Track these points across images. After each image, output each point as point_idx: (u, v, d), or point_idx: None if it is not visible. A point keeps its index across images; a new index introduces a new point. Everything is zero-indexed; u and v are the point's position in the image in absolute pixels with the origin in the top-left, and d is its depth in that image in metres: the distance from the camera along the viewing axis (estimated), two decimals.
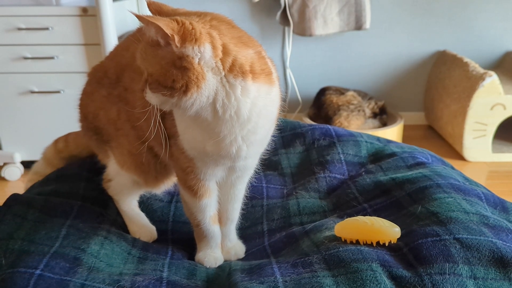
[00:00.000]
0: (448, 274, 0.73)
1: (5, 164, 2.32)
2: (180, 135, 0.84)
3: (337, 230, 0.86)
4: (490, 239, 0.79)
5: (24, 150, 2.33)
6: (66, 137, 1.22)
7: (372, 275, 0.73)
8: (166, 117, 0.86)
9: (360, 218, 0.85)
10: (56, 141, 1.23)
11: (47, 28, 2.13)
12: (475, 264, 0.75)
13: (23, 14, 2.13)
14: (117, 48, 1.00)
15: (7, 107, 2.25)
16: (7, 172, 2.31)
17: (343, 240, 0.85)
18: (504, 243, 0.80)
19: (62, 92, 2.21)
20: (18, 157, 2.32)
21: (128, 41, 0.98)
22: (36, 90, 2.23)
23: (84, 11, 2.11)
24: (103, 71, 1.00)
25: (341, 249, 0.81)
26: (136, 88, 0.91)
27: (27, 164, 2.31)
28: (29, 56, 2.17)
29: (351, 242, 0.84)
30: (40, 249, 0.84)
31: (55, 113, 2.22)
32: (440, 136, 2.81)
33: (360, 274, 0.73)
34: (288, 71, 2.89)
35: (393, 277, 0.74)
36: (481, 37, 2.85)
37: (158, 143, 0.91)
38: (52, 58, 2.18)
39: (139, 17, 0.68)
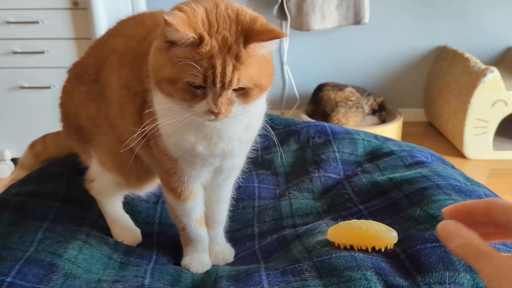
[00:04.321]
0: (449, 284, 0.68)
1: None
2: (164, 135, 0.78)
3: (330, 235, 0.81)
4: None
5: (15, 147, 2.28)
6: (44, 139, 1.16)
7: (366, 285, 0.67)
8: (144, 116, 0.81)
9: (354, 221, 0.80)
10: (32, 145, 1.17)
11: (37, 22, 2.08)
12: (477, 272, 0.70)
13: (13, 7, 2.07)
14: (96, 43, 0.95)
15: None
16: None
17: (336, 245, 0.80)
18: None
19: (53, 87, 2.15)
20: (8, 154, 2.28)
21: (107, 35, 0.93)
22: (27, 85, 2.18)
23: (75, 4, 2.05)
24: (83, 67, 0.95)
25: (333, 255, 0.75)
26: (112, 83, 0.86)
27: (17, 162, 2.26)
28: (19, 50, 2.12)
29: (345, 248, 0.78)
30: (13, 254, 0.78)
31: (46, 109, 2.15)
32: (440, 133, 2.76)
33: (353, 283, 0.68)
34: (286, 67, 2.83)
35: (389, 286, 0.69)
36: (483, 32, 2.79)
37: (137, 143, 0.86)
38: (42, 52, 2.12)
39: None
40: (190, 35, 0.64)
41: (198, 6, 0.68)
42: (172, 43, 0.66)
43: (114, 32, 0.92)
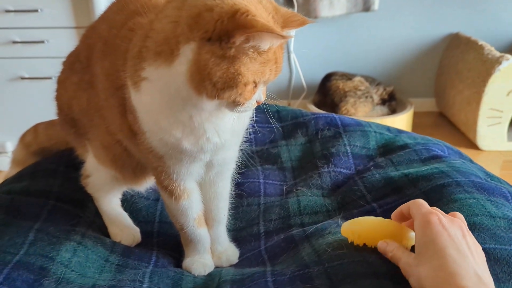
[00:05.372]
0: None
1: None
2: (148, 132, 0.72)
3: (344, 229, 0.74)
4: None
5: (16, 139, 2.22)
6: (35, 128, 1.12)
7: None
8: (127, 111, 0.75)
9: (371, 218, 0.74)
10: (23, 137, 1.13)
11: (36, 10, 2.02)
12: (504, 280, 0.64)
13: None
14: (88, 29, 0.89)
15: None
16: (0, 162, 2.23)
17: (349, 241, 0.73)
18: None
19: (53, 78, 2.10)
20: (10, 147, 2.23)
21: (97, 20, 0.87)
22: (27, 76, 2.13)
23: None
24: (76, 55, 0.90)
25: (346, 260, 0.69)
26: (97, 72, 0.80)
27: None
28: (19, 40, 2.07)
29: (357, 245, 0.72)
30: (2, 257, 0.73)
31: (47, 100, 2.11)
32: (452, 124, 2.68)
33: None
34: (292, 56, 2.76)
35: None
36: (497, 18, 2.70)
37: (124, 136, 0.80)
38: (42, 42, 2.07)
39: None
40: (283, 40, 0.62)
41: None
42: (241, 48, 0.60)
43: (102, 16, 0.86)
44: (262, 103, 0.71)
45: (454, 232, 0.61)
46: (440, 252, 0.59)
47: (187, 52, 0.61)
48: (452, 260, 0.58)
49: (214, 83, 0.61)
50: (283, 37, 0.59)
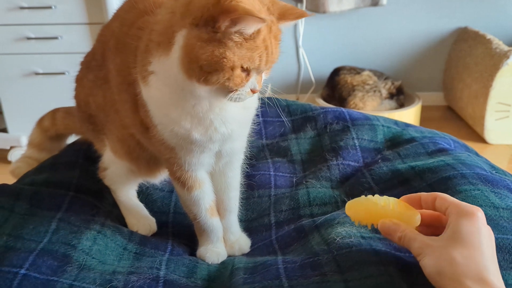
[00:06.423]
0: None
1: (11, 147, 2.29)
2: (159, 125, 0.76)
3: (348, 209, 0.72)
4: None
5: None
6: (53, 114, 1.16)
7: (389, 281, 0.65)
8: (139, 106, 0.78)
9: (376, 198, 0.71)
10: (40, 121, 1.18)
11: (50, 7, 2.06)
12: (506, 268, 0.67)
13: None
14: (102, 28, 0.93)
15: (12, 89, 2.20)
16: (14, 156, 2.28)
17: (352, 220, 0.73)
18: None
19: (67, 73, 2.14)
20: (25, 141, 2.28)
21: (111, 18, 0.90)
22: (41, 71, 2.17)
23: None
24: (92, 53, 0.94)
25: (354, 248, 0.72)
26: (111, 68, 0.84)
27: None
28: (33, 36, 2.11)
29: (359, 224, 0.73)
30: (27, 245, 0.77)
31: (61, 95, 2.15)
32: (460, 118, 2.70)
33: (375, 279, 0.65)
34: (301, 50, 2.78)
35: (413, 283, 0.66)
36: (505, 12, 2.70)
37: (137, 130, 0.84)
38: (56, 38, 2.11)
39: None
40: (263, 23, 0.63)
41: None
42: (227, 32, 0.63)
43: (115, 14, 0.89)
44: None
45: (489, 234, 0.63)
46: (478, 244, 0.60)
47: (179, 39, 0.65)
48: (487, 256, 0.60)
49: (201, 66, 0.64)
50: (262, 20, 0.61)
